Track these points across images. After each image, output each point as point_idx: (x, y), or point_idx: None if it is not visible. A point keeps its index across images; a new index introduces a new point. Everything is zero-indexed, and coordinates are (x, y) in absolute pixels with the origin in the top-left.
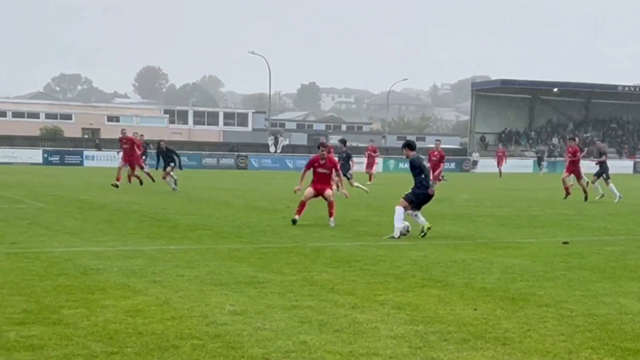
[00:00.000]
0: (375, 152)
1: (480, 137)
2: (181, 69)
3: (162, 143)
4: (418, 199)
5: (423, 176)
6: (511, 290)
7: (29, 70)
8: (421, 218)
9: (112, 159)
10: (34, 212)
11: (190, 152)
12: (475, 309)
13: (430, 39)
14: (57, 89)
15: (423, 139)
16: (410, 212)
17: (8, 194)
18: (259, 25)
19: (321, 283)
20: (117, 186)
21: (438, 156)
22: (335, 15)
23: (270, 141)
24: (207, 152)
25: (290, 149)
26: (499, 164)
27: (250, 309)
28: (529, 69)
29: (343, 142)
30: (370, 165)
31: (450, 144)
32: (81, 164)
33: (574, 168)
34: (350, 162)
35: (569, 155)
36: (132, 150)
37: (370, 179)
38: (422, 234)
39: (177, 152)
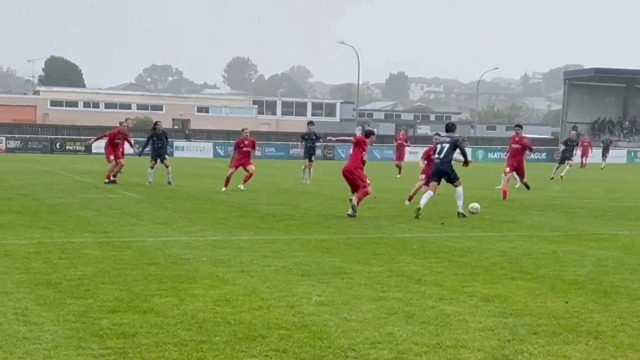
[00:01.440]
0: (406, 142)
1: (572, 127)
2: (270, 59)
3: (159, 124)
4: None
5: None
6: (604, 283)
7: (121, 62)
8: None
9: (202, 149)
10: (125, 202)
11: (278, 142)
12: (567, 302)
13: (520, 27)
14: (149, 79)
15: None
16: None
17: (102, 184)
18: (348, 14)
19: (408, 274)
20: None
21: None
22: (424, 5)
23: (358, 131)
24: (295, 143)
25: (379, 139)
26: (584, 154)
27: (336, 299)
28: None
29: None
30: (400, 156)
31: (541, 133)
32: (171, 154)
33: None
34: None
35: None
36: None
37: (399, 172)
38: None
39: (262, 142)
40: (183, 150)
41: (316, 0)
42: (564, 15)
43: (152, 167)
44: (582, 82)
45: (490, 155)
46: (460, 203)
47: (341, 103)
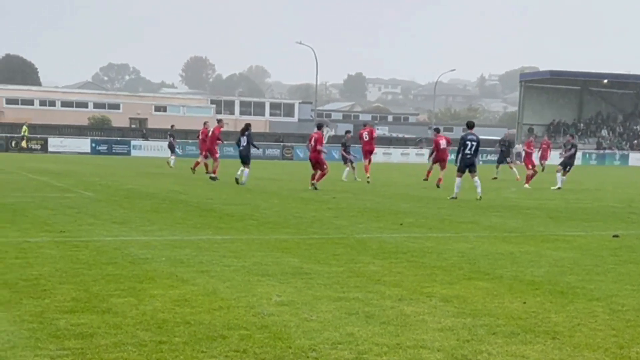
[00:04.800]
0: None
1: (528, 129)
2: (228, 59)
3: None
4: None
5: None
6: (560, 283)
7: (77, 60)
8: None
9: (159, 148)
10: (83, 201)
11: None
12: (524, 302)
13: (477, 30)
14: (105, 78)
15: None
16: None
17: (57, 183)
18: (305, 15)
19: (368, 275)
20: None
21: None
22: (383, 5)
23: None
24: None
25: (336, 139)
26: (543, 157)
27: (296, 299)
28: (578, 60)
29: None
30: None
31: (497, 135)
32: (128, 153)
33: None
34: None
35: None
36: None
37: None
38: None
39: (225, 142)
40: (140, 149)
41: (274, 0)
42: (520, 17)
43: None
44: (537, 85)
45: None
46: (479, 190)
47: (299, 103)
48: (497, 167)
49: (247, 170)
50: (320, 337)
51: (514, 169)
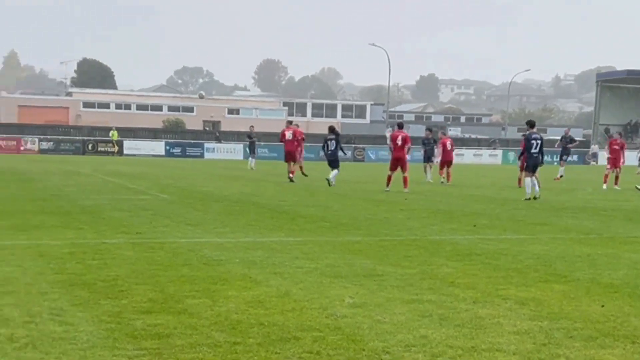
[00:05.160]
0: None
1: (604, 129)
2: (300, 61)
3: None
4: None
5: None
6: None
7: (152, 64)
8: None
9: (232, 151)
10: (157, 203)
11: (309, 144)
12: (603, 306)
13: (552, 29)
14: (180, 81)
15: (544, 131)
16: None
17: (132, 185)
18: (379, 16)
19: (441, 277)
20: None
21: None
22: (457, 6)
23: (387, 133)
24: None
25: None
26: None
27: (369, 301)
28: None
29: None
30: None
31: (573, 135)
32: (202, 156)
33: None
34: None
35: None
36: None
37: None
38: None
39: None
40: (213, 151)
41: (348, 2)
42: (596, 17)
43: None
44: (614, 84)
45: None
46: (537, 189)
47: (371, 105)
48: (560, 165)
49: (336, 171)
50: (393, 339)
51: (563, 167)
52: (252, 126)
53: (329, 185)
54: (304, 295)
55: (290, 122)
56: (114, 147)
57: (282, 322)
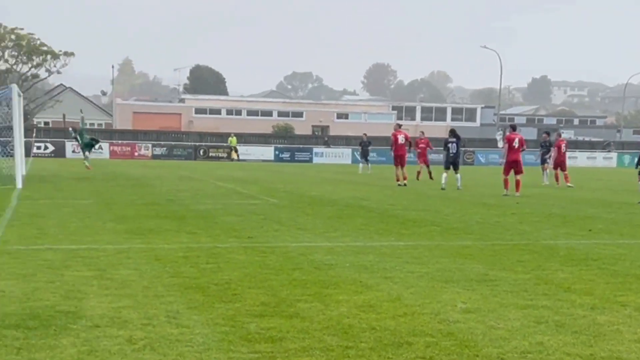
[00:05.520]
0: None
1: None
2: (409, 65)
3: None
4: None
5: None
6: None
7: (262, 70)
8: None
9: (340, 155)
10: (268, 207)
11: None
12: None
13: None
14: (289, 87)
15: None
16: None
17: (243, 190)
18: (488, 19)
19: (556, 282)
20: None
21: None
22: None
23: (498, 136)
24: (434, 148)
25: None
26: None
27: (482, 307)
28: None
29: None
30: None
31: None
32: (310, 160)
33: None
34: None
35: None
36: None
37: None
38: None
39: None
40: (322, 156)
41: (456, 5)
42: None
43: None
44: None
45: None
46: None
47: (482, 108)
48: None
49: (459, 175)
50: (508, 345)
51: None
52: (365, 134)
53: (458, 188)
54: (416, 300)
55: (399, 126)
56: (232, 152)
57: (394, 327)
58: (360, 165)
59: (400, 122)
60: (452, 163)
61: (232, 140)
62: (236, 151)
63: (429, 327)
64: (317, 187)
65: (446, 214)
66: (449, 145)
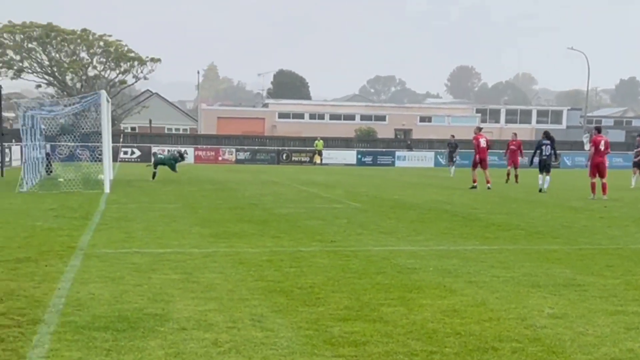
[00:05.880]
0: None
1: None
2: (494, 67)
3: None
4: None
5: None
6: None
7: (345, 74)
8: None
9: (423, 159)
10: (350, 211)
11: (500, 150)
12: None
13: None
14: (372, 90)
15: None
16: None
17: (325, 194)
18: (576, 20)
19: None
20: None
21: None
22: None
23: (585, 139)
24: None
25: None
26: None
27: (570, 312)
28: None
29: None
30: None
31: None
32: (392, 164)
33: None
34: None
35: None
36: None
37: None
38: None
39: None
40: (404, 160)
41: (542, 7)
42: None
43: None
44: None
45: None
46: None
47: (568, 110)
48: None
49: (548, 177)
50: (597, 352)
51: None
52: (453, 135)
53: (540, 191)
54: (501, 305)
55: (479, 129)
56: (315, 156)
57: (479, 332)
58: (452, 168)
59: (482, 124)
60: (544, 165)
61: (319, 143)
62: (320, 155)
63: (516, 332)
64: (400, 190)
65: (531, 217)
66: (542, 147)
